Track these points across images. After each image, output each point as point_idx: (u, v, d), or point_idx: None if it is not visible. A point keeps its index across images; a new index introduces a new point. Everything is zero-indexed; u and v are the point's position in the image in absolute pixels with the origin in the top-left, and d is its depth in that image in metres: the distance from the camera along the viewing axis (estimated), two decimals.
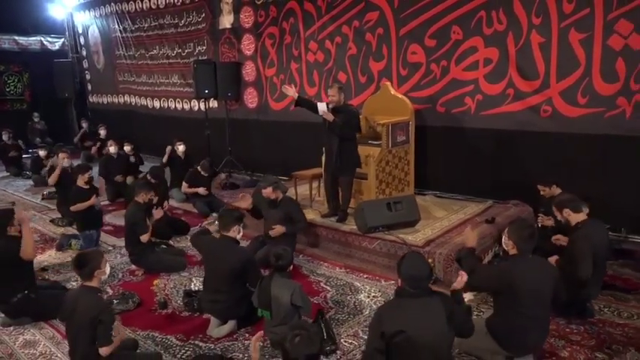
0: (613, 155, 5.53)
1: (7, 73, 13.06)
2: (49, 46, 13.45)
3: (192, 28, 9.78)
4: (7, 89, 13.07)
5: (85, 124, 11.91)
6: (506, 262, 3.38)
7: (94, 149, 10.54)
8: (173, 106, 10.70)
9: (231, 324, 3.92)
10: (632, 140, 5.37)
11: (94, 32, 12.55)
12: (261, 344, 3.74)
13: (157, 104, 11.15)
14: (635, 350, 3.50)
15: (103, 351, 3.11)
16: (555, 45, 5.73)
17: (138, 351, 3.64)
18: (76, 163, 7.84)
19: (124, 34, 11.41)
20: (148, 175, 6.50)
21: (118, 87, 12.17)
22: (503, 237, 3.36)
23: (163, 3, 10.24)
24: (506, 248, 3.39)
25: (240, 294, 3.91)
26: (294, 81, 8.20)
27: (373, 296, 4.51)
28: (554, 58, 5.77)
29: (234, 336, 3.89)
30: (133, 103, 11.87)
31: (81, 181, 5.83)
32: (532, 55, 5.91)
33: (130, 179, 8.61)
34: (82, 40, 13.17)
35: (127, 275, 5.15)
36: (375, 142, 6.14)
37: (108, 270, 3.42)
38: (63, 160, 7.02)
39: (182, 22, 9.94)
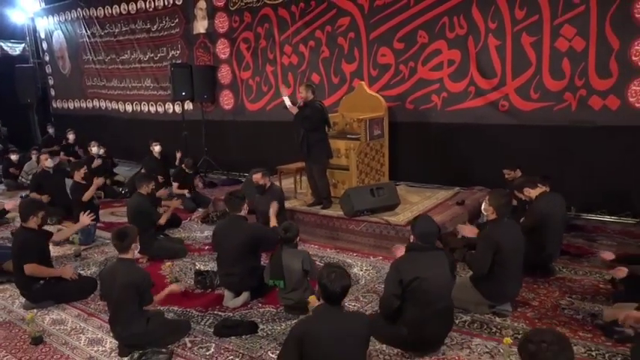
0: (562, 144, 6.33)
1: None
2: (10, 52, 13.28)
3: (166, 33, 10.06)
4: None
5: (51, 130, 11.84)
6: (488, 228, 3.99)
7: (62, 155, 10.55)
8: (146, 110, 10.91)
9: (245, 295, 4.36)
10: (578, 130, 6.20)
11: (58, 37, 12.53)
12: (275, 310, 4.22)
13: (129, 108, 11.30)
14: (591, 297, 4.21)
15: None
16: (510, 47, 6.51)
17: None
18: None
19: (92, 39, 11.51)
20: (142, 170, 6.79)
21: (87, 92, 12.22)
22: (484, 204, 3.99)
23: (134, 9, 10.47)
24: (485, 214, 4.03)
25: (252, 266, 4.37)
26: (269, 83, 8.69)
27: (365, 269, 5.05)
28: (509, 59, 6.55)
29: (249, 305, 4.33)
30: (103, 108, 11.95)
31: (77, 177, 6.09)
32: (490, 56, 6.67)
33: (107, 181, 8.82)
34: (44, 45, 13.10)
35: None
36: (354, 136, 6.71)
37: (138, 247, 3.79)
38: (45, 161, 7.20)
39: (155, 27, 10.21)
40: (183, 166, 7.75)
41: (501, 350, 3.42)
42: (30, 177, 8.59)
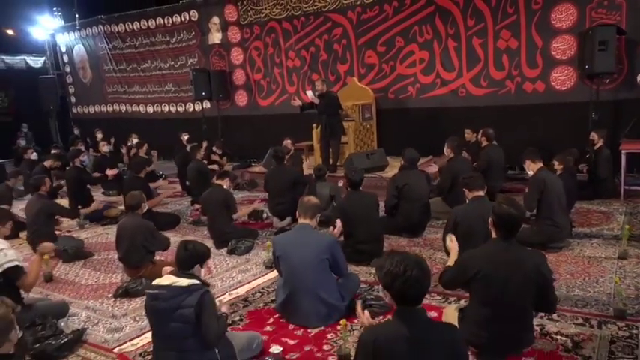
0: (505, 119, 8.40)
1: None
2: (33, 64, 14.97)
3: (184, 44, 11.95)
4: None
5: (77, 131, 13.57)
6: (449, 164, 6.08)
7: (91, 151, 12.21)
8: (167, 110, 12.74)
9: (288, 219, 6.32)
10: (517, 108, 8.35)
11: (79, 50, 14.23)
12: None
13: (149, 109, 13.10)
14: None
15: (235, 216, 5.49)
16: (464, 47, 8.67)
17: None
18: None
19: (113, 52, 13.28)
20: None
21: (107, 97, 13.94)
22: (445, 147, 6.07)
23: (154, 24, 12.32)
24: (447, 154, 6.11)
25: (294, 199, 6.27)
26: (277, 82, 10.68)
27: None
28: (464, 56, 8.71)
29: (291, 226, 6.28)
30: (124, 110, 13.69)
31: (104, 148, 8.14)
32: (450, 55, 8.82)
33: None
34: (65, 57, 14.76)
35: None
36: (350, 119, 8.76)
37: (229, 182, 5.71)
38: (104, 147, 9.08)
39: (173, 39, 12.08)
40: (213, 148, 9.62)
41: None
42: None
